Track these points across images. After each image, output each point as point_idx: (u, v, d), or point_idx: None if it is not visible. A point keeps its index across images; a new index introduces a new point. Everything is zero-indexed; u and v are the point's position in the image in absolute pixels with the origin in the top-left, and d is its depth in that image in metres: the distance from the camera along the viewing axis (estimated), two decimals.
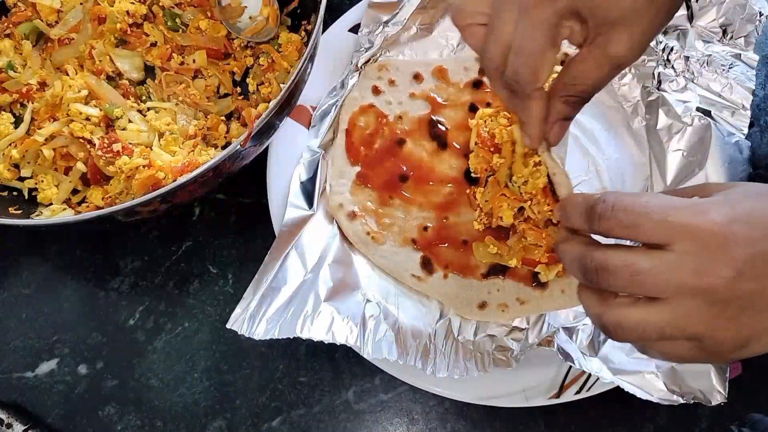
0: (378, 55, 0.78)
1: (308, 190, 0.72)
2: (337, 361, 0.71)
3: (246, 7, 0.78)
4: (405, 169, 0.74)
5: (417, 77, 0.77)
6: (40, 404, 0.70)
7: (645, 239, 0.45)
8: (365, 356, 0.64)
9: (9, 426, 0.67)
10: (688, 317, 0.43)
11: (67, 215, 0.70)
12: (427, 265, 0.70)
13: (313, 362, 0.71)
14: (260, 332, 0.62)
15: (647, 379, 0.62)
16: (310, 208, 0.71)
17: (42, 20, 0.78)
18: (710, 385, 0.60)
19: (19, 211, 0.70)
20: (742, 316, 0.43)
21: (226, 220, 0.77)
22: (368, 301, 0.67)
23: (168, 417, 0.69)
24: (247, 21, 0.79)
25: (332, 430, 0.69)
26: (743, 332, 0.43)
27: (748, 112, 0.74)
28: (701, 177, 0.71)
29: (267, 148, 0.73)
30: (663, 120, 0.75)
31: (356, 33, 0.79)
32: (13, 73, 0.75)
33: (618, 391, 0.64)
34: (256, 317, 0.63)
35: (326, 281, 0.67)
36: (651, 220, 0.44)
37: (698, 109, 0.74)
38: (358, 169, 0.74)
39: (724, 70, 0.76)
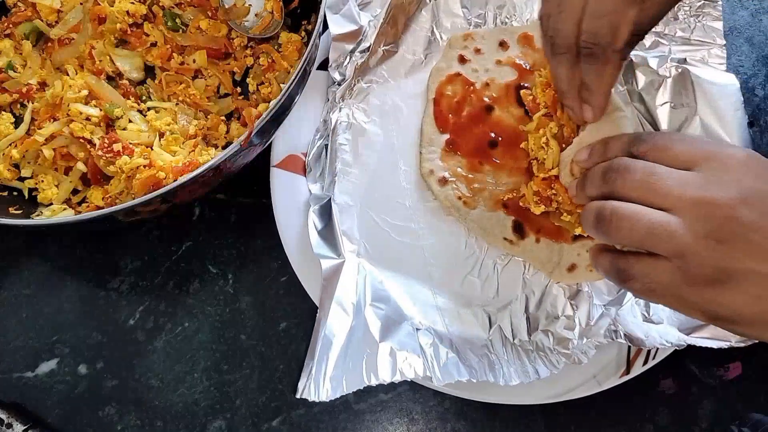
0: (353, 84, 0.76)
1: (329, 239, 0.69)
2: None
3: (251, 5, 0.78)
4: (493, 135, 0.74)
5: (503, 44, 0.77)
6: (40, 404, 0.70)
7: (672, 160, 0.49)
8: (435, 383, 0.62)
9: (9, 426, 0.67)
10: (680, 226, 0.45)
11: (67, 215, 0.70)
12: (518, 229, 0.70)
13: None
14: (328, 393, 0.60)
15: (716, 329, 0.60)
16: (338, 257, 0.68)
17: (42, 20, 0.78)
18: None
19: (19, 211, 0.70)
20: (733, 244, 0.44)
21: (226, 220, 0.77)
22: (418, 329, 0.66)
23: (168, 417, 0.69)
24: (254, 19, 0.79)
25: (332, 430, 0.69)
26: (726, 262, 0.44)
27: (723, 46, 0.76)
28: (697, 122, 0.72)
29: (270, 199, 0.72)
30: (642, 79, 0.75)
31: (325, 69, 0.76)
32: (13, 73, 0.75)
33: (618, 390, 0.65)
34: (319, 379, 0.61)
35: (374, 321, 0.66)
36: (684, 143, 0.49)
37: (673, 59, 0.75)
38: (446, 136, 0.74)
39: (690, 15, 0.77)
